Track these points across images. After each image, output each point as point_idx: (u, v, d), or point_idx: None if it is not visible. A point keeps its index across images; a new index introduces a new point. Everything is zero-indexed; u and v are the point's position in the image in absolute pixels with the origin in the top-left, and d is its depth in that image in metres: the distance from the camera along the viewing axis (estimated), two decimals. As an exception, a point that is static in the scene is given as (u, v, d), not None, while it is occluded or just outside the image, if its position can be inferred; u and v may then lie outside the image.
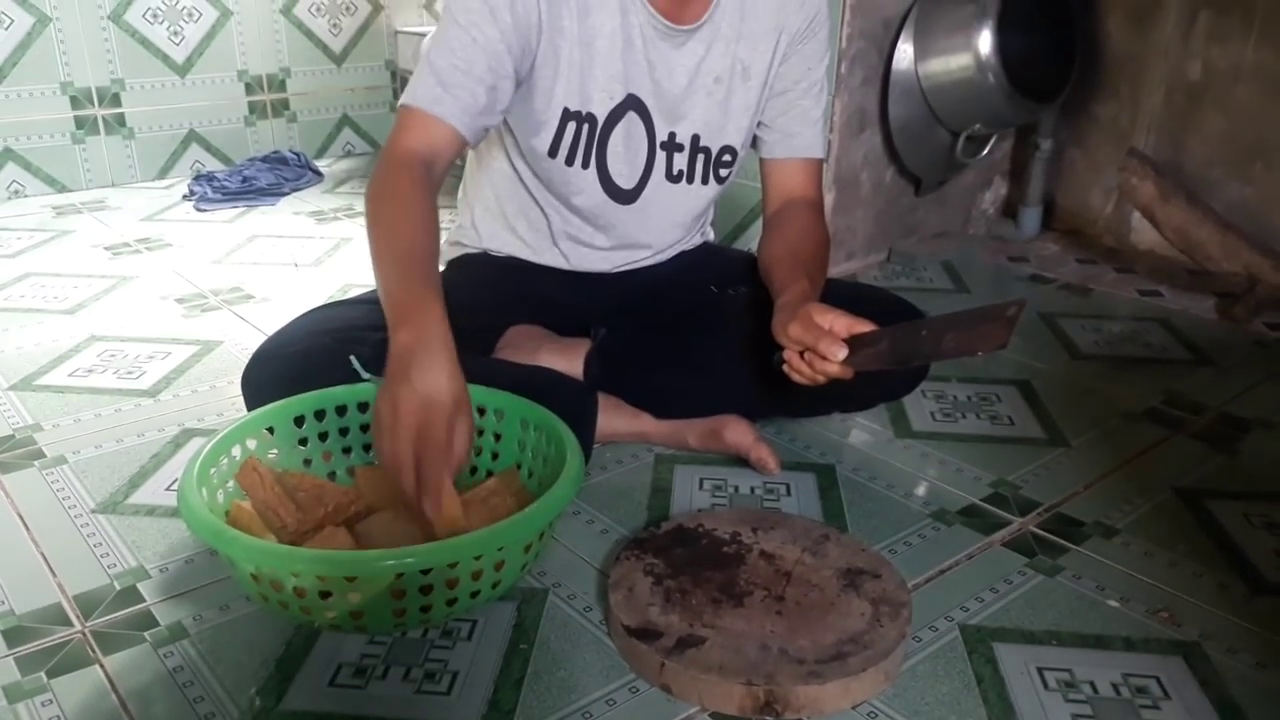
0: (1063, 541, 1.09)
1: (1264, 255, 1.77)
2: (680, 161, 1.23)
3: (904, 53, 1.83)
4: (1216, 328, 1.71)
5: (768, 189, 1.28)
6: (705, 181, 1.25)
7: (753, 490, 1.18)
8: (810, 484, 1.20)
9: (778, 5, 1.18)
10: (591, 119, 1.16)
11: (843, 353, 0.96)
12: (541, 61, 1.11)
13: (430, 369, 0.86)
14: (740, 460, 1.22)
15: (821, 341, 0.97)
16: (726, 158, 1.25)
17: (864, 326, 0.98)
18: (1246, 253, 1.78)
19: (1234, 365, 1.57)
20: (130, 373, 1.50)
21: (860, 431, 1.33)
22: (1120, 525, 1.12)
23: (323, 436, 1.09)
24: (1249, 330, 1.70)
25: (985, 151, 1.98)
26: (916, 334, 0.96)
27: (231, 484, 0.99)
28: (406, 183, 1.03)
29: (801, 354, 1.00)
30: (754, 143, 1.27)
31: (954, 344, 0.93)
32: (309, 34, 2.84)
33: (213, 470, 0.97)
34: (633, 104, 1.17)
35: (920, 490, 1.19)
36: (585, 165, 1.19)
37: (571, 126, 1.16)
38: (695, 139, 1.22)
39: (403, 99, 1.08)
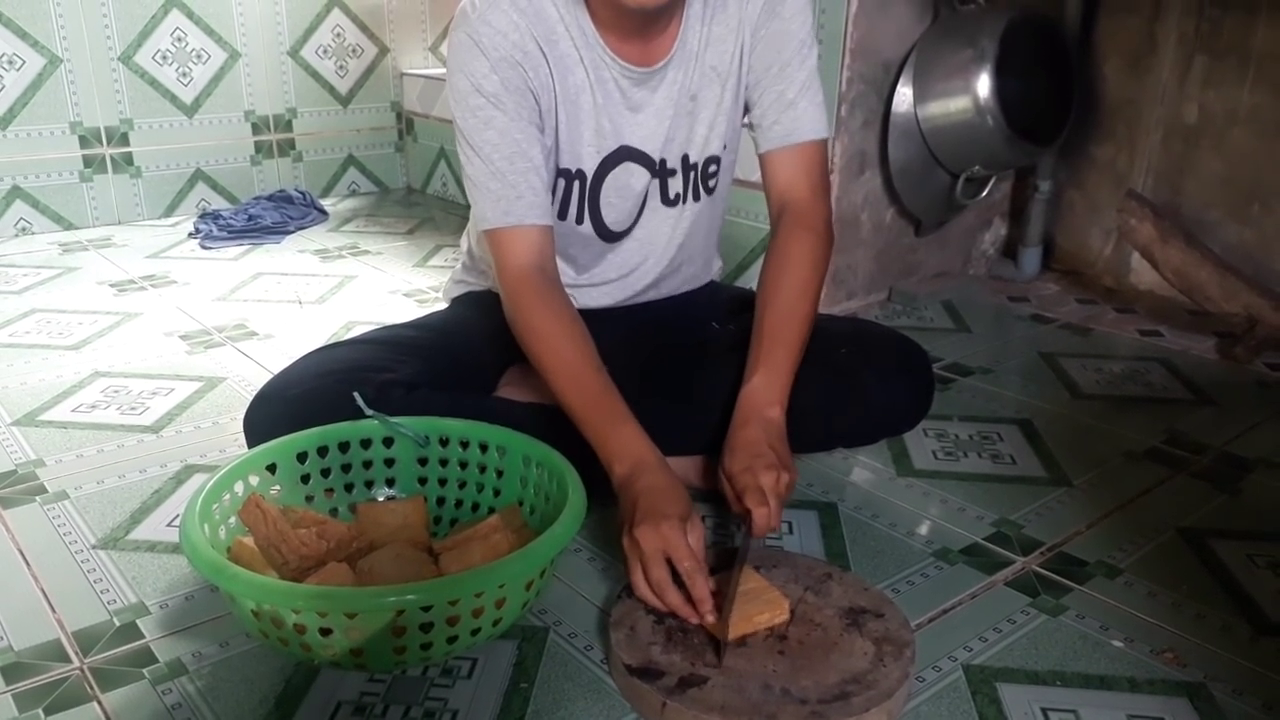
0: (1066, 581, 1.08)
1: (1263, 296, 1.78)
2: (675, 185, 1.24)
3: (903, 96, 1.86)
4: (1217, 368, 1.72)
5: (765, 190, 1.25)
6: (696, 198, 1.26)
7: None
8: (812, 522, 1.20)
9: (738, 6, 1.17)
10: (581, 175, 1.18)
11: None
12: (544, 123, 1.13)
13: (655, 497, 0.96)
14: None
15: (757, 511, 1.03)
16: (712, 168, 1.25)
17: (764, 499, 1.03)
18: (1245, 294, 1.79)
19: (1235, 405, 1.57)
20: (133, 408, 1.50)
21: (862, 469, 1.33)
22: (1123, 565, 1.11)
23: (325, 473, 1.10)
24: (1250, 370, 1.70)
25: (985, 193, 1.99)
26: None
27: (233, 520, 0.99)
28: (542, 307, 1.10)
29: None
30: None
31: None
32: (315, 75, 2.88)
33: (215, 506, 0.97)
34: (626, 153, 1.19)
35: (923, 529, 1.19)
36: (580, 221, 1.21)
37: (562, 184, 1.18)
38: (684, 159, 1.23)
39: (480, 226, 1.13)
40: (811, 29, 1.20)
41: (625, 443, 1.02)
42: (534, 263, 1.10)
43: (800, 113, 1.20)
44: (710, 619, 0.91)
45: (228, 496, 0.99)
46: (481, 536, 0.98)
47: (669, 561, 0.92)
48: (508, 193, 1.09)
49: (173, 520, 1.18)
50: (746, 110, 1.24)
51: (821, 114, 1.22)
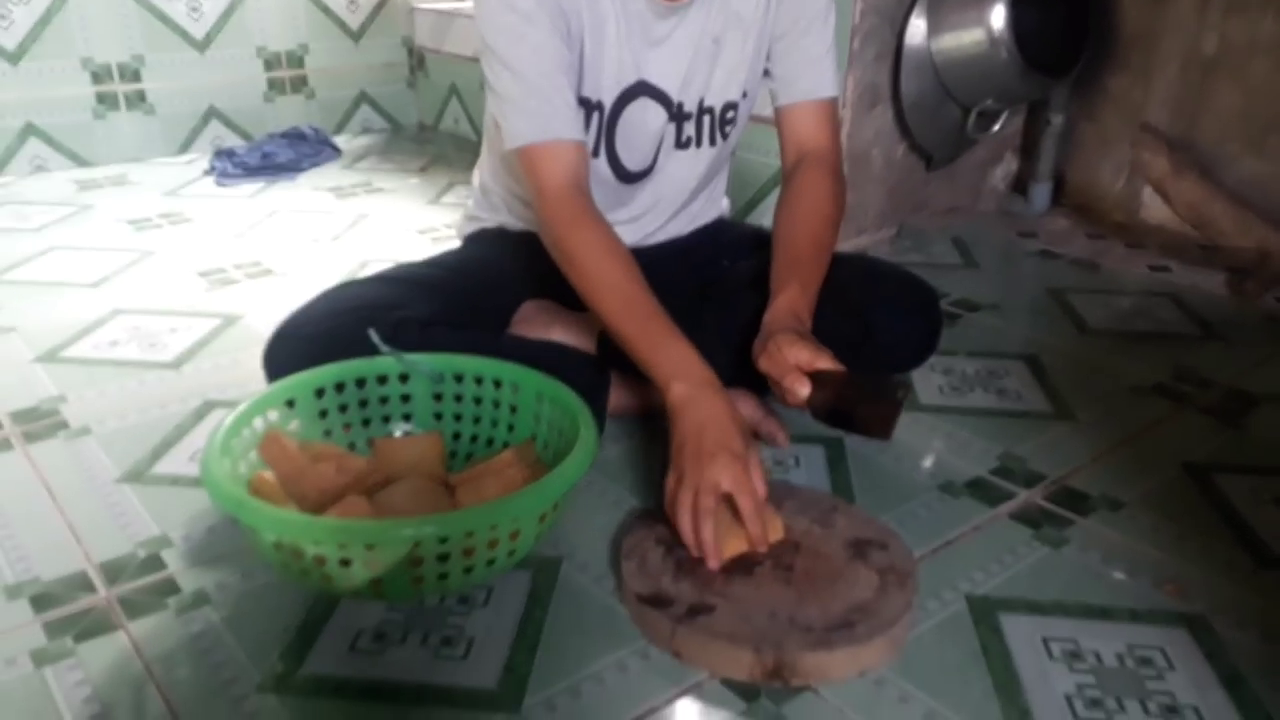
0: (1069, 514, 1.10)
1: (1276, 231, 1.77)
2: (689, 128, 1.24)
3: (916, 28, 1.83)
4: (1226, 303, 1.71)
5: (782, 140, 1.27)
6: (713, 143, 1.26)
7: (763, 462, 1.20)
8: (819, 457, 1.22)
9: None
10: (600, 106, 1.18)
11: (805, 390, 1.03)
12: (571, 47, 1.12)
13: (726, 427, 0.96)
14: (751, 433, 1.24)
15: (786, 378, 1.02)
16: (730, 114, 1.25)
17: (825, 362, 1.02)
18: (1259, 228, 1.78)
19: (1244, 340, 1.57)
20: (153, 345, 1.53)
21: (870, 406, 1.34)
22: (1127, 499, 1.13)
23: (343, 409, 1.12)
24: (1259, 306, 1.70)
25: (996, 127, 1.98)
26: (848, 389, 1.02)
27: (254, 455, 1.02)
28: (586, 226, 1.08)
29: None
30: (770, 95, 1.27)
31: (861, 422, 1.04)
32: (326, 10, 2.85)
33: (235, 441, 0.99)
34: (643, 89, 1.18)
35: (927, 463, 1.21)
36: (595, 154, 1.21)
37: (581, 114, 1.17)
38: (700, 102, 1.22)
39: (510, 143, 1.11)
40: None
41: (683, 361, 1.01)
42: (572, 180, 1.09)
43: (824, 69, 1.23)
44: (714, 564, 0.93)
45: (247, 432, 1.02)
46: (496, 471, 1.01)
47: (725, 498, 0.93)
48: (544, 108, 1.08)
49: (194, 455, 1.21)
50: (767, 60, 1.23)
51: (837, 74, 1.25)
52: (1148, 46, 2.01)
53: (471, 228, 1.41)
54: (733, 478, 0.93)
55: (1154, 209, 2.05)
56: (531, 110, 1.08)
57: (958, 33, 1.81)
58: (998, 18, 1.75)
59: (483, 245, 1.36)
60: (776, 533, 0.98)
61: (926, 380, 1.41)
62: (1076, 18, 1.90)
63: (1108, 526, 1.08)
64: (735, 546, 0.95)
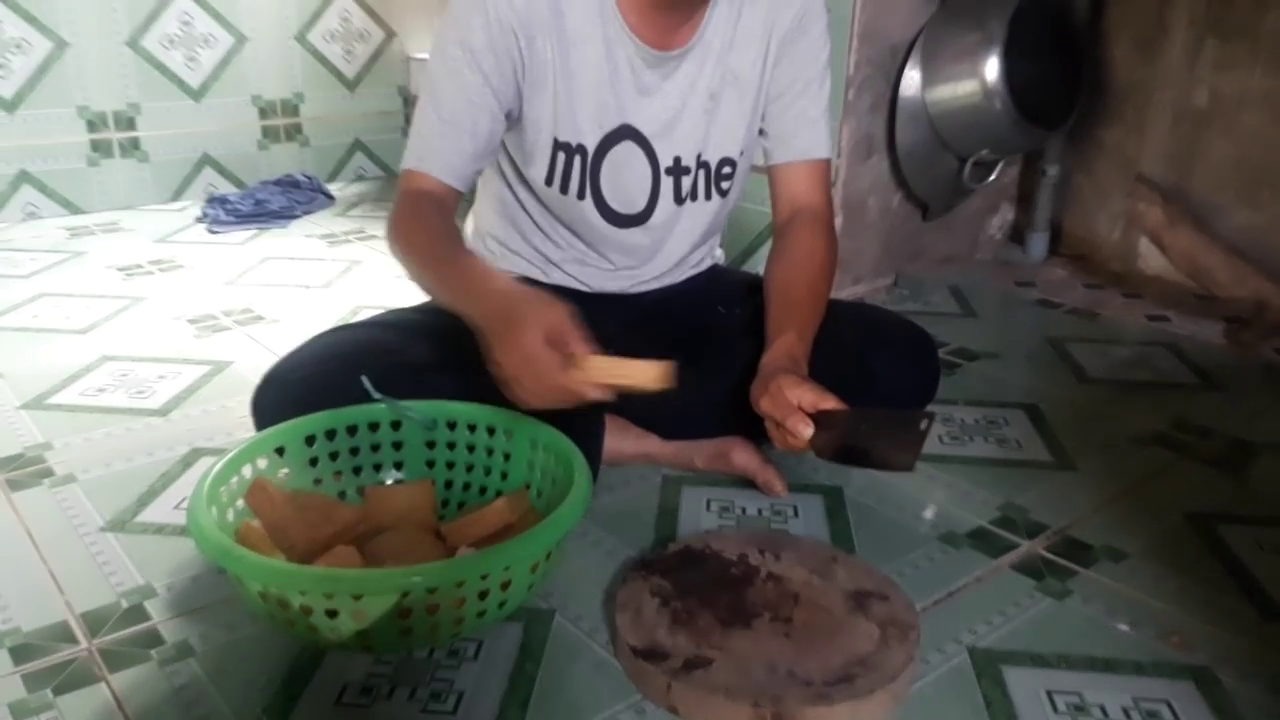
0: (1072, 565, 1.08)
1: (1271, 281, 1.77)
2: (686, 184, 1.23)
3: (911, 79, 1.85)
4: (1225, 353, 1.71)
5: (774, 197, 1.27)
6: (709, 197, 1.26)
7: (760, 512, 1.18)
8: (817, 506, 1.20)
9: (766, 6, 1.17)
10: (582, 150, 1.17)
11: (808, 431, 0.99)
12: (529, 95, 1.12)
13: (512, 323, 0.91)
14: (747, 482, 1.23)
15: (789, 419, 0.99)
16: (726, 169, 1.25)
17: (830, 402, 1.00)
18: (1254, 278, 1.78)
19: (1243, 390, 1.56)
20: (141, 392, 1.51)
21: (868, 454, 1.33)
22: (1129, 549, 1.11)
23: (333, 456, 1.10)
24: (1258, 356, 1.70)
25: (992, 177, 1.99)
26: (859, 425, 0.99)
27: (241, 503, 1.00)
28: (420, 215, 1.10)
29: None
30: (762, 152, 1.28)
31: (879, 455, 1.00)
32: (322, 60, 2.88)
33: (222, 489, 0.97)
34: (628, 133, 1.18)
35: (928, 513, 1.19)
36: (581, 196, 1.20)
37: (562, 157, 1.17)
38: (697, 157, 1.22)
39: (402, 163, 1.14)
40: (830, 53, 1.23)
41: (481, 282, 1.01)
42: (425, 195, 1.11)
43: (819, 131, 1.23)
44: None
45: (235, 480, 1.00)
46: (488, 519, 0.99)
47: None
48: (436, 144, 1.11)
49: (180, 503, 1.19)
50: (763, 119, 1.24)
51: (831, 135, 1.26)
52: (1140, 99, 2.03)
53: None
54: (548, 328, 0.89)
55: (1151, 259, 2.06)
56: (425, 140, 1.11)
57: (952, 84, 1.82)
58: (992, 70, 1.77)
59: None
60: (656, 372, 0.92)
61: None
62: (1069, 70, 1.92)
63: (1111, 577, 1.06)
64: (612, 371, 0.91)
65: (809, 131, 1.23)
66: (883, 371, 1.21)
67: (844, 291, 1.94)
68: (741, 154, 1.25)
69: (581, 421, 1.05)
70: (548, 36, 1.10)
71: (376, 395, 1.07)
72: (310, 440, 1.08)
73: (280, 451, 1.06)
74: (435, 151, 1.11)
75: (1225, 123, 1.91)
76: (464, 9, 1.08)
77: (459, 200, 1.14)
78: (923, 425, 0.97)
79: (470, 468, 1.13)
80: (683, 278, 1.36)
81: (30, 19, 2.40)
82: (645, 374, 0.91)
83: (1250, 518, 1.19)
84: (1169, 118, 1.99)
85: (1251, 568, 1.08)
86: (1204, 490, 1.26)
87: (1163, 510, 1.20)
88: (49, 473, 1.26)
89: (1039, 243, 2.16)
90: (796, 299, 1.16)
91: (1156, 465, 1.31)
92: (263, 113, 2.81)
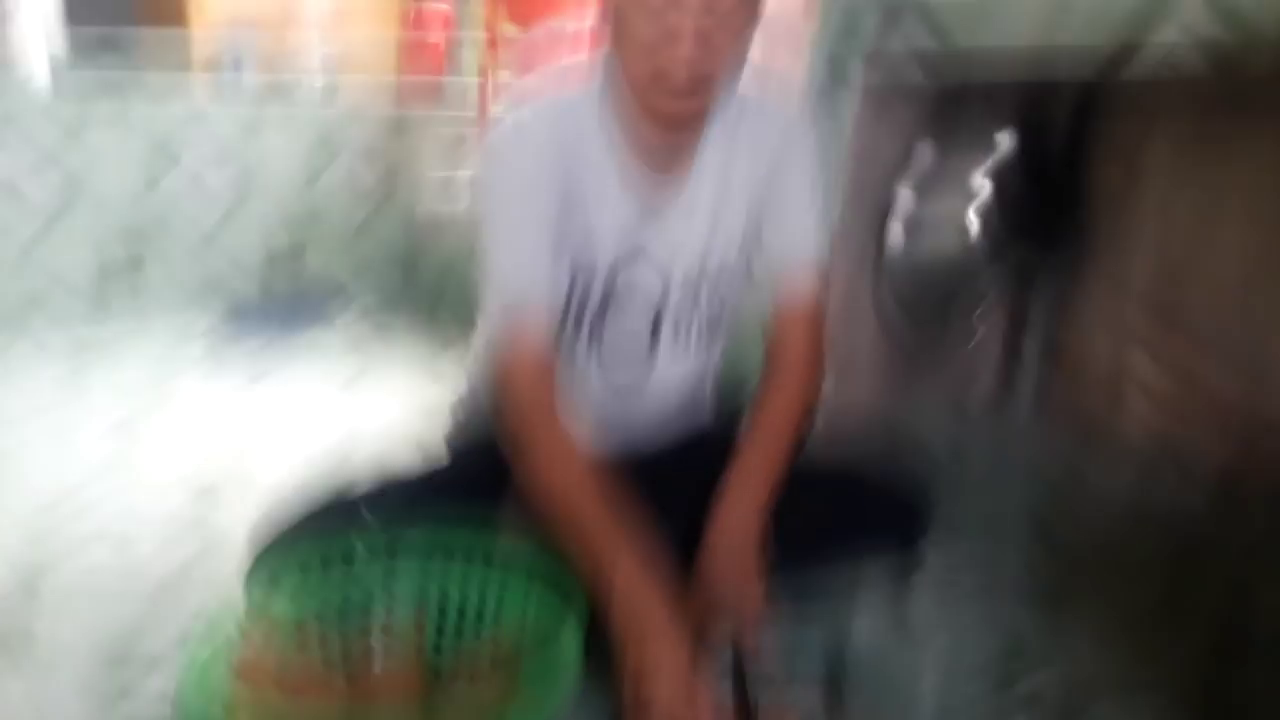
0: (1084, 701, 1.06)
1: (1263, 430, 1.77)
2: (689, 300, 1.26)
3: (901, 210, 1.89)
4: (1220, 514, 1.69)
5: (770, 306, 1.28)
6: (710, 308, 1.28)
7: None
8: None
9: (757, 128, 1.22)
10: (596, 269, 1.21)
11: None
12: (562, 222, 1.16)
13: (661, 642, 0.95)
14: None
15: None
16: (725, 278, 1.27)
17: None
18: (1245, 427, 1.78)
19: (1243, 530, 1.54)
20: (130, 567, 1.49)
21: (863, 626, 1.30)
22: (1141, 684, 1.09)
23: (326, 587, 1.08)
24: (1252, 517, 1.67)
25: (980, 333, 2.02)
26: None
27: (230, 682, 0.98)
28: (542, 423, 1.11)
29: None
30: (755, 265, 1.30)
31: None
32: (331, 203, 2.99)
33: (212, 673, 0.95)
34: (640, 254, 1.22)
35: (926, 683, 1.17)
36: (592, 331, 1.23)
37: (580, 278, 1.20)
38: (701, 270, 1.25)
39: (493, 301, 1.15)
40: (818, 168, 1.26)
41: (626, 569, 1.01)
42: (543, 362, 1.12)
43: (811, 237, 1.26)
44: None
45: (222, 668, 0.98)
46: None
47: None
48: (527, 273, 1.12)
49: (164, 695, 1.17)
50: (758, 234, 1.27)
51: (824, 248, 1.27)
52: (1119, 253, 2.06)
53: (461, 436, 1.41)
54: (672, 693, 0.90)
55: (1141, 406, 2.06)
56: (514, 271, 1.12)
57: (941, 217, 1.87)
58: (980, 202, 1.82)
59: (474, 461, 1.35)
60: None
61: (919, 593, 1.37)
62: (1057, 201, 1.97)
63: (1126, 714, 1.03)
64: None
65: (800, 239, 1.25)
66: (870, 538, 1.22)
67: (834, 429, 1.94)
68: (740, 262, 1.28)
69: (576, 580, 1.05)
70: (572, 170, 1.15)
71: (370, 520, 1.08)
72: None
73: (272, 613, 1.04)
74: (532, 281, 1.12)
75: (1208, 273, 1.94)
76: (498, 155, 1.15)
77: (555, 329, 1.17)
78: None
79: (462, 612, 1.11)
80: (675, 440, 1.35)
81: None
82: None
83: (1263, 655, 1.17)
84: (1151, 270, 2.02)
85: (1268, 708, 1.06)
86: (1213, 627, 1.24)
87: (1173, 646, 1.18)
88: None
89: (1030, 388, 2.17)
90: (759, 448, 1.19)
91: (1155, 629, 1.29)
92: (270, 255, 2.89)
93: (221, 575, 1.42)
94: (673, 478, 1.31)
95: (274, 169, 2.84)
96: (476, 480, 1.27)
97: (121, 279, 2.65)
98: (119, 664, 1.23)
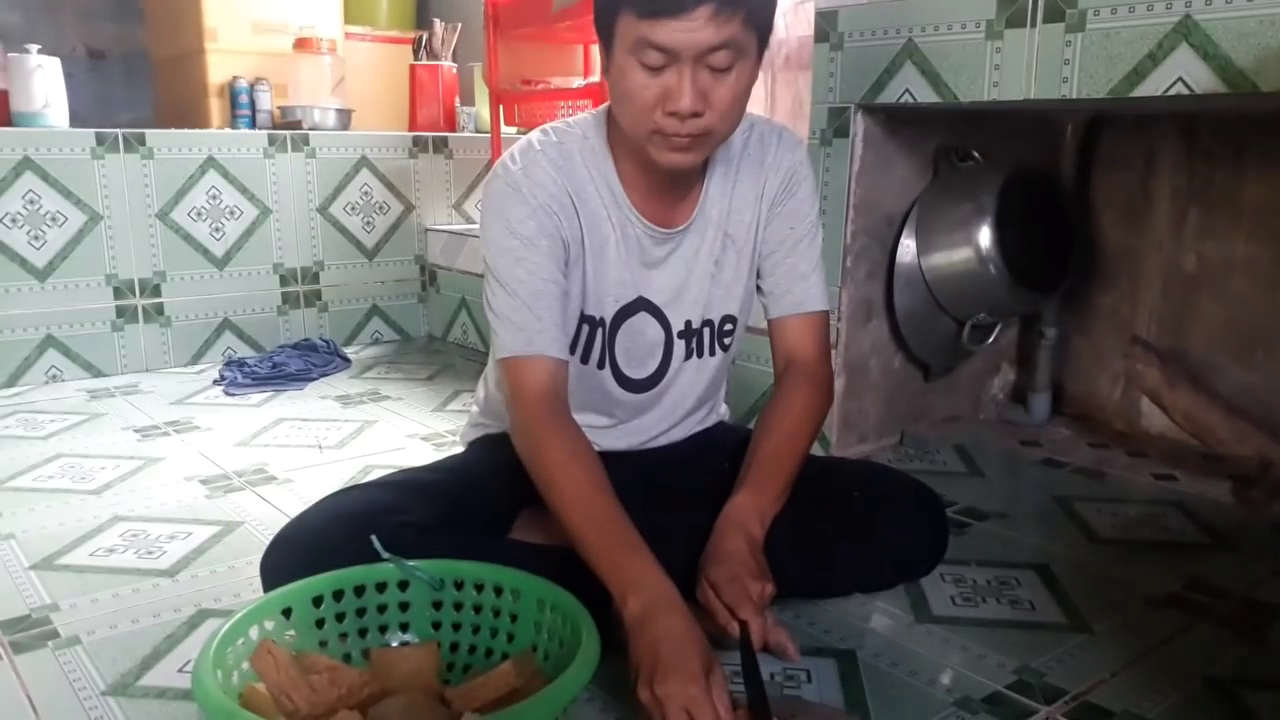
0: (1091, 732, 1.05)
1: (1274, 439, 1.78)
2: (695, 343, 1.29)
3: (907, 247, 1.92)
4: (1234, 512, 1.70)
5: (772, 351, 1.33)
6: (713, 353, 1.31)
7: (772, 676, 1.16)
8: (831, 671, 1.18)
9: (757, 173, 1.26)
10: (602, 322, 1.24)
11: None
12: (568, 272, 1.19)
13: (677, 647, 0.95)
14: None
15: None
16: (728, 326, 1.31)
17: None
18: (1256, 437, 1.79)
19: (1255, 549, 1.55)
20: (150, 552, 1.51)
21: (880, 616, 1.31)
22: (1151, 715, 1.09)
23: (340, 618, 1.09)
24: (1266, 514, 1.69)
25: (991, 339, 2.04)
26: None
27: (246, 666, 0.99)
28: (556, 432, 1.13)
29: None
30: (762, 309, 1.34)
31: None
32: (343, 230, 3.00)
33: (229, 651, 0.96)
34: (643, 305, 1.25)
35: (944, 678, 1.17)
36: (601, 366, 1.26)
37: (586, 329, 1.23)
38: (702, 317, 1.29)
39: (498, 354, 1.17)
40: (819, 211, 1.31)
41: (641, 575, 1.02)
42: (550, 390, 1.14)
43: (811, 285, 1.29)
44: None
45: (241, 641, 0.99)
46: (494, 684, 0.97)
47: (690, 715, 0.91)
48: (531, 324, 1.14)
49: (184, 666, 1.18)
50: (758, 276, 1.30)
51: (825, 288, 1.32)
52: (1130, 265, 2.09)
53: (475, 434, 1.42)
54: (688, 699, 0.90)
55: (1153, 418, 2.08)
56: (519, 325, 1.14)
57: (947, 252, 1.89)
58: (985, 238, 1.84)
59: (485, 451, 1.37)
60: None
61: (938, 589, 1.38)
62: (1060, 238, 1.99)
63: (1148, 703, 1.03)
64: None
65: (800, 286, 1.29)
66: (891, 532, 1.22)
67: (849, 450, 1.95)
68: (741, 310, 1.32)
69: (592, 581, 1.05)
70: (575, 220, 1.18)
71: (385, 555, 1.08)
72: (318, 601, 1.07)
73: (287, 613, 1.05)
74: (537, 331, 1.14)
75: (1215, 287, 1.97)
76: (502, 204, 1.16)
77: (568, 377, 1.19)
78: None
79: (476, 629, 1.12)
80: (688, 434, 1.38)
81: (67, 194, 2.52)
82: None
83: (1271, 682, 1.16)
84: (1160, 282, 2.05)
85: (1277, 734, 1.05)
86: (1223, 653, 1.23)
87: (1182, 674, 1.17)
88: (54, 634, 1.26)
89: (1041, 403, 2.18)
90: (766, 457, 1.22)
91: (1172, 628, 1.29)
92: (283, 280, 2.91)
93: (236, 554, 1.43)
94: (686, 468, 1.33)
95: (289, 193, 2.88)
96: (493, 473, 1.29)
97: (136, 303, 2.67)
98: (138, 641, 1.23)
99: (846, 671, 1.17)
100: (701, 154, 1.13)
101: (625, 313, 1.24)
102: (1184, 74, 1.34)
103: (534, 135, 1.21)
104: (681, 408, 1.35)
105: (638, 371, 1.29)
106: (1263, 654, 1.24)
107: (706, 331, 1.30)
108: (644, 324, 1.26)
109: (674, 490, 1.30)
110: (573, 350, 1.24)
